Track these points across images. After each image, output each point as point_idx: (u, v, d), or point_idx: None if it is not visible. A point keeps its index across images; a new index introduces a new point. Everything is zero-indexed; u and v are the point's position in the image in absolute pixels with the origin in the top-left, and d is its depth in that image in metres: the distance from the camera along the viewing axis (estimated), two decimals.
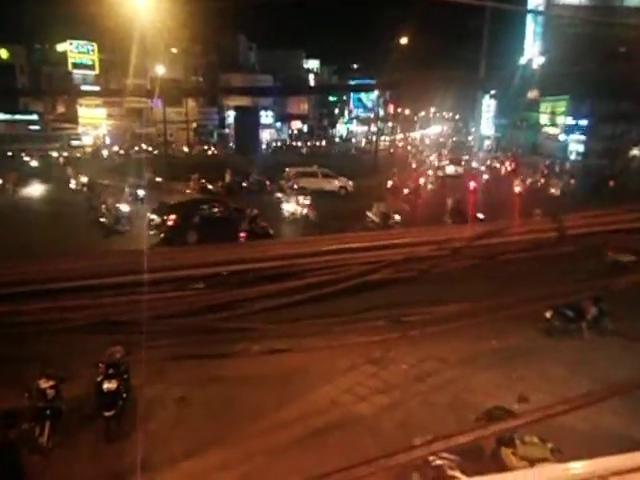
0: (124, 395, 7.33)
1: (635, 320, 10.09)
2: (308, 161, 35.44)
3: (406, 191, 26.95)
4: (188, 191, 26.64)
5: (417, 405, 8.20)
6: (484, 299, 1.81)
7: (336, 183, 29.51)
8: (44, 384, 6.84)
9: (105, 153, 51.66)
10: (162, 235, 17.22)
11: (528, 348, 9.83)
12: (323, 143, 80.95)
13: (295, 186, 26.79)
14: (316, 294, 1.41)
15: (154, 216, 18.10)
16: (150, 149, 55.06)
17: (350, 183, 29.89)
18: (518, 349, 9.74)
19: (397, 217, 19.67)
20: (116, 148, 54.87)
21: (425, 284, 1.56)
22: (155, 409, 7.86)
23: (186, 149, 56.70)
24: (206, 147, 62.36)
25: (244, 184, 29.06)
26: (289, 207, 22.29)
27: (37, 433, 6.70)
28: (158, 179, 29.19)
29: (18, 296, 1.22)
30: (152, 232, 17.59)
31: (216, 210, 18.71)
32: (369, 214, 20.17)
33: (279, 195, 25.19)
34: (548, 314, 10.22)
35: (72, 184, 28.89)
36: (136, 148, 54.48)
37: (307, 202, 22.12)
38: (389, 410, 8.05)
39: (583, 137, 51.07)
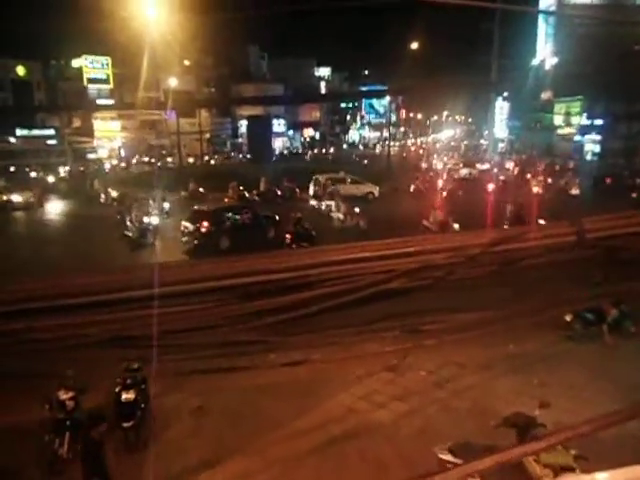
0: (142, 405, 7.35)
1: None
2: (334, 167, 35.63)
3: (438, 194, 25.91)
4: (226, 200, 26.15)
5: (436, 412, 8.10)
6: (502, 306, 1.77)
7: (363, 189, 29.55)
8: (63, 395, 6.89)
9: (123, 165, 52.25)
10: (195, 242, 17.71)
11: (548, 353, 9.66)
12: (331, 150, 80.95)
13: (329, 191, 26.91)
14: (331, 304, 1.40)
15: (187, 224, 18.54)
16: (170, 160, 55.64)
17: (377, 188, 30.05)
18: (538, 354, 9.57)
19: (456, 226, 17.99)
20: (135, 160, 55.51)
21: (441, 292, 1.53)
22: (173, 419, 7.87)
23: (207, 158, 57.52)
24: (223, 156, 62.91)
25: (278, 192, 29.40)
26: (337, 215, 22.12)
27: (57, 444, 6.75)
28: (200, 189, 29.56)
29: (33, 312, 1.23)
30: (185, 239, 18.13)
31: (246, 217, 19.45)
32: (426, 223, 18.86)
33: (313, 202, 25.99)
34: (568, 318, 10.05)
35: (102, 198, 29.10)
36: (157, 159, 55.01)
37: (357, 210, 21.58)
38: (407, 417, 7.95)
39: (598, 137, 50.46)
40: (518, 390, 8.38)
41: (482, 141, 78.33)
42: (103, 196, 29.28)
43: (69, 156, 56.10)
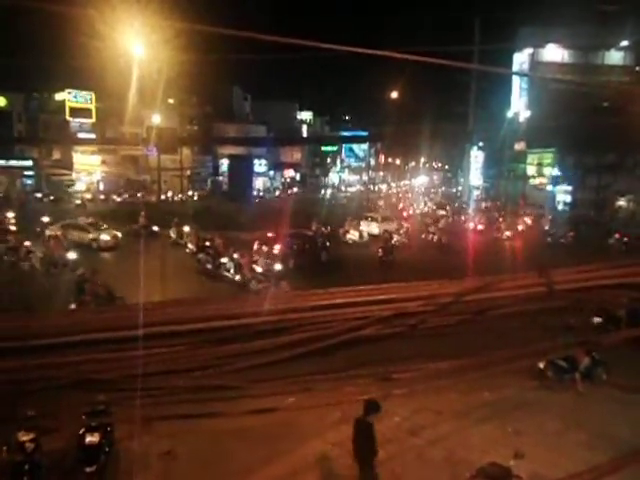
0: (107, 449, 7.06)
1: (628, 370, 10.00)
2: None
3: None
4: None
5: (411, 460, 7.96)
6: (475, 355, 1.79)
7: (388, 226, 31.13)
8: (23, 437, 6.59)
9: (102, 197, 51.71)
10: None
11: (522, 400, 9.66)
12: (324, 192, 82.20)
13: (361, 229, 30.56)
14: (304, 350, 1.39)
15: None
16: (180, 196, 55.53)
17: (395, 226, 31.30)
18: (512, 401, 9.57)
19: None
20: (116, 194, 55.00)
21: (415, 339, 1.54)
22: (140, 463, 7.56)
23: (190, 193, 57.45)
24: (203, 193, 63.08)
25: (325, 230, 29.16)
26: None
27: None
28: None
29: None
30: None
31: (307, 242, 24.07)
32: None
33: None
34: (541, 365, 10.12)
35: (171, 234, 27.62)
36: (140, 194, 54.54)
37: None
38: (381, 466, 7.79)
39: (570, 188, 52.19)
40: (493, 439, 8.32)
41: (459, 188, 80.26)
42: (172, 232, 28.05)
43: (44, 187, 55.60)
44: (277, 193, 76.39)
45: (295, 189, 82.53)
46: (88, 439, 6.89)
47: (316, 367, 1.57)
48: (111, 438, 7.22)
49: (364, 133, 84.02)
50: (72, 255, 20.89)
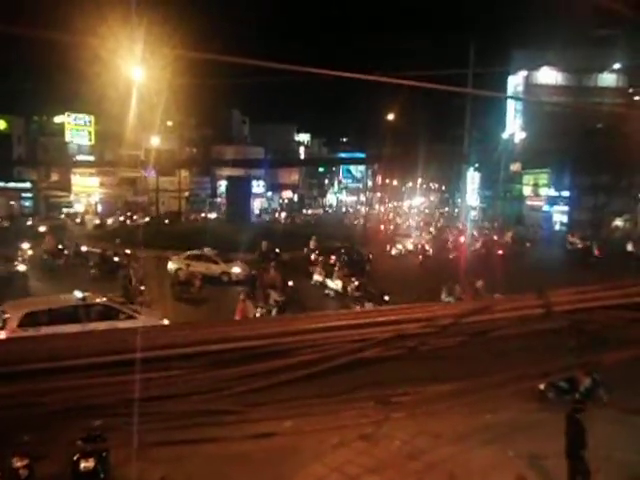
0: (102, 476, 6.93)
1: (629, 390, 9.92)
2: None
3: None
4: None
5: None
6: (475, 377, 1.77)
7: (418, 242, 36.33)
8: (17, 462, 6.47)
9: (97, 221, 51.82)
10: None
11: (523, 423, 9.54)
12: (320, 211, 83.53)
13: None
14: (303, 374, 1.37)
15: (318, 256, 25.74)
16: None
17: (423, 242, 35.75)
18: (513, 424, 9.45)
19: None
20: (115, 217, 55.02)
21: (414, 361, 1.53)
22: None
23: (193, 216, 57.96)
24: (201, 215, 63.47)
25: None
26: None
27: None
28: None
29: None
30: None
31: (353, 254, 27.64)
32: None
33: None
34: (542, 386, 10.03)
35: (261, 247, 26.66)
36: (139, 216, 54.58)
37: None
38: None
39: (566, 208, 52.50)
40: (494, 463, 8.21)
41: (455, 209, 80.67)
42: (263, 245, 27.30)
43: (42, 209, 55.65)
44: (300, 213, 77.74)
45: (311, 211, 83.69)
46: (83, 465, 6.77)
47: (315, 390, 1.55)
48: (106, 464, 7.09)
49: (361, 155, 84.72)
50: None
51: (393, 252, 34.39)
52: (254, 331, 1.45)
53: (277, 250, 26.94)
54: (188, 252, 24.16)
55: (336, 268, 22.52)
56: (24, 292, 18.43)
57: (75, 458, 6.85)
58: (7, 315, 12.22)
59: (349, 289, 19.99)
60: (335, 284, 21.39)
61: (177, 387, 1.36)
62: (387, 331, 1.54)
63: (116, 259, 23.74)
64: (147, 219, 50.41)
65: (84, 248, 27.58)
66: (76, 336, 1.49)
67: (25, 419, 1.28)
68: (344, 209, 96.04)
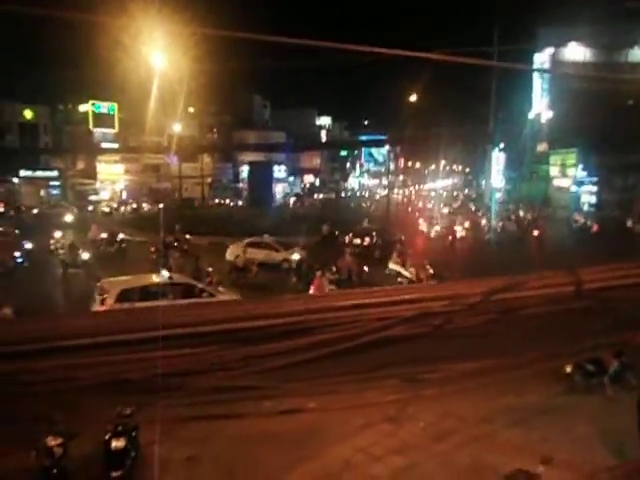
0: (132, 454, 7.12)
1: None
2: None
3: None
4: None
5: (435, 467, 7.84)
6: (501, 356, 1.76)
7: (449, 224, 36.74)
8: (52, 442, 6.68)
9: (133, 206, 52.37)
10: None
11: (549, 405, 9.46)
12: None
13: None
14: (329, 351, 1.37)
15: (355, 239, 26.93)
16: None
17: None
18: (538, 406, 9.37)
19: None
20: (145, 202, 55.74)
21: (440, 340, 1.52)
22: (164, 469, 7.60)
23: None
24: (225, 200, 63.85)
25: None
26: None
27: None
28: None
29: (25, 354, 1.21)
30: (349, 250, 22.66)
31: (389, 236, 28.13)
32: None
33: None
34: (568, 369, 9.89)
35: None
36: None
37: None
38: (406, 472, 7.70)
39: (594, 188, 51.19)
40: (519, 445, 8.15)
41: (479, 191, 79.44)
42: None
43: (69, 197, 56.66)
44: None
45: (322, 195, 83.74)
46: (114, 444, 6.96)
47: (341, 368, 1.56)
48: (136, 443, 7.28)
49: (382, 137, 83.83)
50: None
51: (432, 234, 34.81)
52: (281, 309, 1.45)
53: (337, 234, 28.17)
54: (247, 239, 23.68)
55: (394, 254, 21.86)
56: (91, 279, 18.48)
57: (107, 437, 7.04)
58: (105, 292, 13.36)
59: (422, 276, 19.50)
60: (409, 272, 20.89)
61: (205, 364, 1.38)
62: (412, 309, 1.53)
63: (175, 244, 24.39)
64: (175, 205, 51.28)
65: (126, 237, 27.81)
66: (109, 314, 1.52)
67: (60, 393, 1.32)
68: (357, 193, 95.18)
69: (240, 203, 63.31)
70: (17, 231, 29.59)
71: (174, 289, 13.74)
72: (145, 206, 52.36)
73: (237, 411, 1.66)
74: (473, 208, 47.06)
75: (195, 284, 14.71)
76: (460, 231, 33.28)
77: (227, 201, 64.18)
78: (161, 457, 7.65)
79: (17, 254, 21.34)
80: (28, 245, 23.58)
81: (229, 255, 22.73)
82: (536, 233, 32.12)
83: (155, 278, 14.30)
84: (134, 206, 51.18)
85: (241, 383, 1.53)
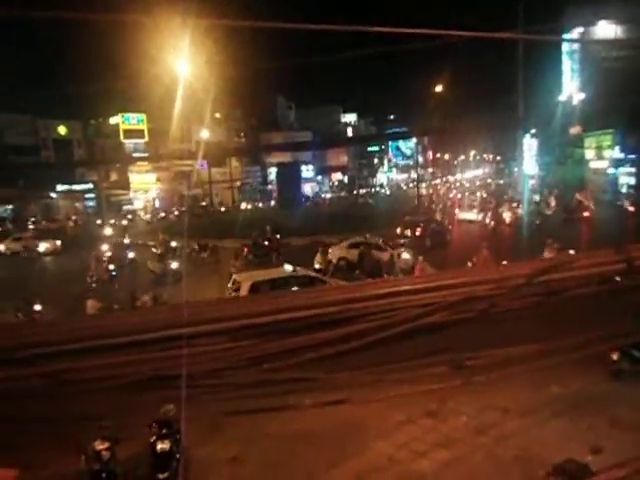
0: (177, 456, 7.24)
1: None
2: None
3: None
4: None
5: (480, 460, 7.71)
6: (547, 340, 1.69)
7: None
8: (100, 446, 6.85)
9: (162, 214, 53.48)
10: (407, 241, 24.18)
11: (594, 393, 9.17)
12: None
13: None
14: (371, 340, 1.34)
15: (406, 231, 27.38)
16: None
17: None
18: (584, 395, 9.10)
19: None
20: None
21: (484, 325, 1.47)
22: (208, 470, 7.71)
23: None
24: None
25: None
26: None
27: None
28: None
29: (72, 353, 1.23)
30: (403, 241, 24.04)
31: (437, 226, 28.98)
32: None
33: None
34: (615, 356, 9.57)
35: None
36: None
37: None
38: (451, 466, 7.59)
39: (633, 169, 49.41)
40: (566, 435, 7.94)
41: (511, 178, 77.78)
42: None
43: (104, 208, 58.15)
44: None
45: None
46: (159, 446, 7.08)
47: (384, 357, 1.52)
48: (180, 444, 7.40)
49: (407, 129, 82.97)
50: None
51: (470, 217, 36.80)
52: (321, 299, 1.43)
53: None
54: (350, 240, 23.00)
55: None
56: (179, 287, 18.81)
57: (152, 440, 7.17)
58: (239, 285, 14.66)
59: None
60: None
61: (246, 358, 1.38)
62: (455, 294, 1.49)
63: (266, 243, 25.28)
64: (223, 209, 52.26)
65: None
66: (148, 311, 1.53)
67: (105, 391, 1.33)
68: (387, 190, 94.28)
69: (272, 204, 63.89)
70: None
71: (298, 281, 14.70)
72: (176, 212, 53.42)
73: (279, 405, 1.66)
74: (505, 197, 46.46)
75: (316, 276, 15.80)
76: (508, 217, 34.12)
77: (258, 204, 64.84)
78: (206, 458, 7.77)
79: (111, 267, 21.60)
80: (131, 255, 24.17)
81: (331, 256, 21.92)
82: (586, 214, 32.81)
83: (281, 271, 15.45)
84: (175, 213, 52.36)
85: (282, 376, 1.51)
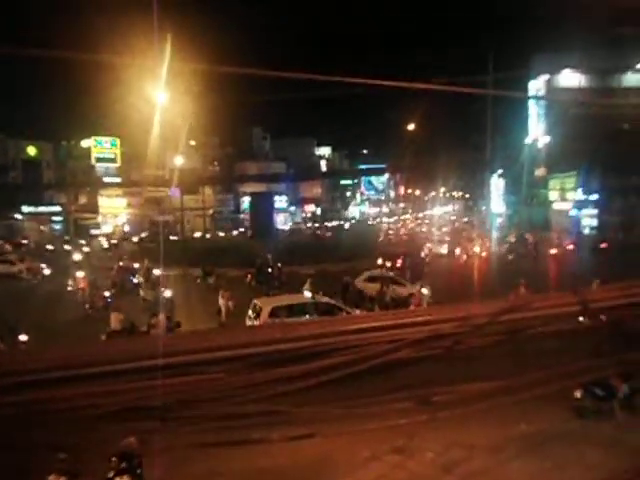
0: None
1: None
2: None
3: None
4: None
5: None
6: (510, 377, 1.75)
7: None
8: None
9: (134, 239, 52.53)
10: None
11: (560, 431, 9.28)
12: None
13: None
14: (341, 374, 1.37)
15: (385, 262, 27.06)
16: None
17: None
18: (549, 433, 9.19)
19: None
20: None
21: (450, 362, 1.52)
22: None
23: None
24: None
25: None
26: None
27: None
28: None
29: (48, 382, 1.22)
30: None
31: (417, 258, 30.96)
32: None
33: None
34: (578, 394, 9.75)
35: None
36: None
37: None
38: None
39: (595, 211, 51.32)
40: (532, 474, 7.98)
41: (480, 216, 79.67)
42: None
43: (71, 232, 56.92)
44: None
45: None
46: None
47: (353, 392, 1.56)
48: (141, 478, 7.13)
49: (382, 166, 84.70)
50: None
51: (441, 251, 39.30)
52: (292, 333, 1.46)
53: None
54: (367, 273, 23.23)
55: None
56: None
57: (110, 476, 6.89)
58: (259, 309, 15.20)
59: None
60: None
61: (216, 390, 1.39)
62: (422, 331, 1.54)
63: (269, 270, 25.86)
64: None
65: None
66: (118, 343, 1.53)
67: (77, 421, 1.32)
68: (364, 222, 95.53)
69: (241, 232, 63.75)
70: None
71: (317, 307, 15.35)
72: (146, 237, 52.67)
73: (247, 439, 1.64)
74: (474, 234, 48.24)
75: (335, 304, 16.15)
76: (482, 252, 36.49)
77: (234, 232, 64.64)
78: None
79: (107, 294, 20.88)
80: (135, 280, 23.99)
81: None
82: (554, 252, 35.13)
83: (301, 297, 16.30)
84: (134, 239, 51.42)
85: (252, 409, 1.53)
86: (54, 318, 18.90)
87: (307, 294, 16.18)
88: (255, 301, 16.24)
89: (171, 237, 52.03)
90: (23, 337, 13.46)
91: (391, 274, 23.66)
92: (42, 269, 30.49)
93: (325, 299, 16.51)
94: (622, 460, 8.14)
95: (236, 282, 25.18)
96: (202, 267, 26.78)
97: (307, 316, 14.80)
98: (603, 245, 37.14)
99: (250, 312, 15.83)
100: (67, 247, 43.32)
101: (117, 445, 6.73)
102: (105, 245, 47.94)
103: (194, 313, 19.36)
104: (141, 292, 21.69)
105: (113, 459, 6.88)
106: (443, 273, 28.90)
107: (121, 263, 27.30)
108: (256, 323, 14.53)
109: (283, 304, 15.66)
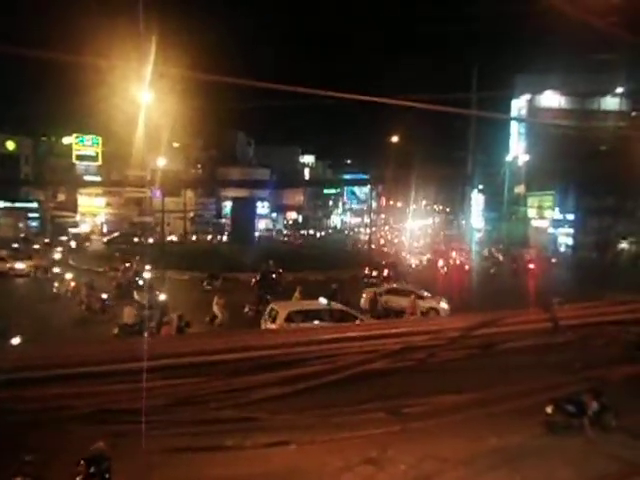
0: None
1: (638, 415, 9.76)
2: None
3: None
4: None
5: None
6: (482, 389, 1.78)
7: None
8: None
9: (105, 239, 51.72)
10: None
11: (530, 447, 9.35)
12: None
13: None
14: (317, 383, 1.38)
15: (372, 272, 29.78)
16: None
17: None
18: (520, 448, 9.26)
19: None
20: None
21: (423, 373, 1.54)
22: None
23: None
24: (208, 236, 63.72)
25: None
26: None
27: None
28: None
29: (21, 382, 1.20)
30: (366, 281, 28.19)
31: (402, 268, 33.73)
32: None
33: None
34: (549, 409, 9.86)
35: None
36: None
37: None
38: None
39: (571, 230, 52.35)
40: None
41: (460, 231, 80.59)
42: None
43: (48, 230, 55.84)
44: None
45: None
46: None
47: (327, 400, 1.58)
48: None
49: (365, 176, 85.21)
50: None
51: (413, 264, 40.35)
52: (270, 341, 1.47)
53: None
54: (387, 286, 23.19)
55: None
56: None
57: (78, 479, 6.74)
58: (276, 313, 15.38)
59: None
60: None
61: (192, 395, 1.38)
62: (396, 343, 1.56)
63: (274, 276, 26.30)
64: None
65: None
66: (98, 345, 1.52)
67: (51, 423, 1.31)
68: (345, 232, 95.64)
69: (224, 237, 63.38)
70: None
71: (331, 314, 15.43)
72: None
73: (219, 445, 1.62)
74: (455, 247, 49.44)
75: (349, 311, 16.17)
76: (461, 265, 38.37)
77: (215, 237, 64.23)
78: None
79: (104, 296, 20.33)
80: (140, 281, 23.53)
81: (364, 302, 21.45)
82: (532, 266, 35.92)
83: (316, 304, 16.36)
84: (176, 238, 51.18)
85: (226, 415, 1.53)
86: (46, 320, 18.30)
87: (322, 300, 16.40)
88: (272, 305, 16.66)
89: (148, 240, 51.17)
90: (15, 340, 12.56)
91: (410, 286, 22.76)
92: (50, 268, 29.41)
93: (339, 306, 16.80)
94: (591, 476, 8.25)
95: (240, 287, 25.83)
96: (208, 271, 27.27)
97: (321, 322, 14.78)
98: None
99: (266, 316, 16.18)
100: (56, 246, 41.91)
101: (87, 448, 6.63)
102: (73, 246, 46.30)
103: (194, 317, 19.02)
104: (135, 295, 21.26)
105: (81, 463, 6.75)
106: (429, 282, 27.68)
107: (127, 264, 26.91)
108: (272, 327, 14.82)
109: (299, 309, 16.11)
